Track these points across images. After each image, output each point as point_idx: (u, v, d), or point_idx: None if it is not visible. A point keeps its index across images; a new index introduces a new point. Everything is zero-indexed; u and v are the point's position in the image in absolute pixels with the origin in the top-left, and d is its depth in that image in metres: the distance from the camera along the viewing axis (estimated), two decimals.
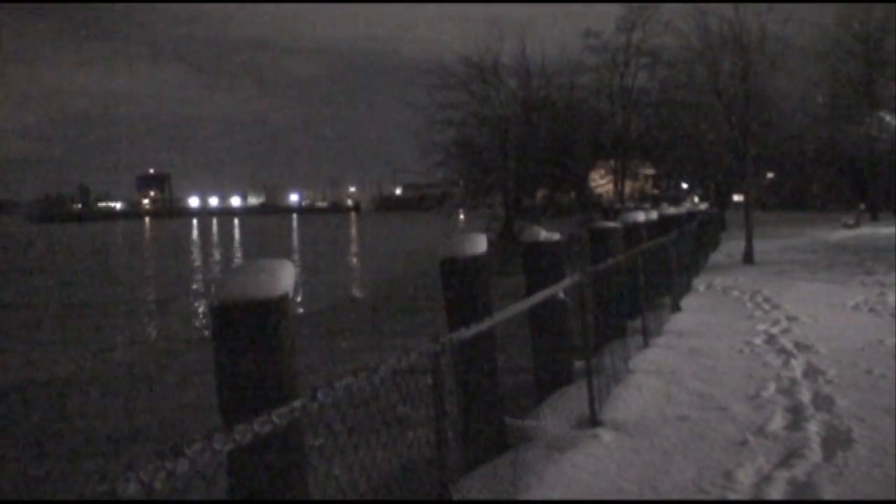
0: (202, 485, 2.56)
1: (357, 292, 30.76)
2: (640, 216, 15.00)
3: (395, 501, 5.72)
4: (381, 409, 4.18)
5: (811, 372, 8.69)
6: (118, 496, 2.06)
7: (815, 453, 6.00)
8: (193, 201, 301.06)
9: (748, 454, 6.08)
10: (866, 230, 37.14)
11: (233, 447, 2.52)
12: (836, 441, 6.24)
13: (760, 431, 6.60)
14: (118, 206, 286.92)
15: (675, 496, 5.37)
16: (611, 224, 12.36)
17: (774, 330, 11.46)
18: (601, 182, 71.75)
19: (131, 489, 2.10)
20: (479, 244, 6.70)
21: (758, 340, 10.73)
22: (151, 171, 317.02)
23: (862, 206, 49.12)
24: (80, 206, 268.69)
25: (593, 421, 7.01)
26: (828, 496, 5.18)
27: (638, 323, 11.15)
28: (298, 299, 25.85)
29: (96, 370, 15.87)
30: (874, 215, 49.22)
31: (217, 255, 57.35)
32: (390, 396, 4.00)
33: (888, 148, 41.17)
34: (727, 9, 26.05)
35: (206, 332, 18.56)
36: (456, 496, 4.36)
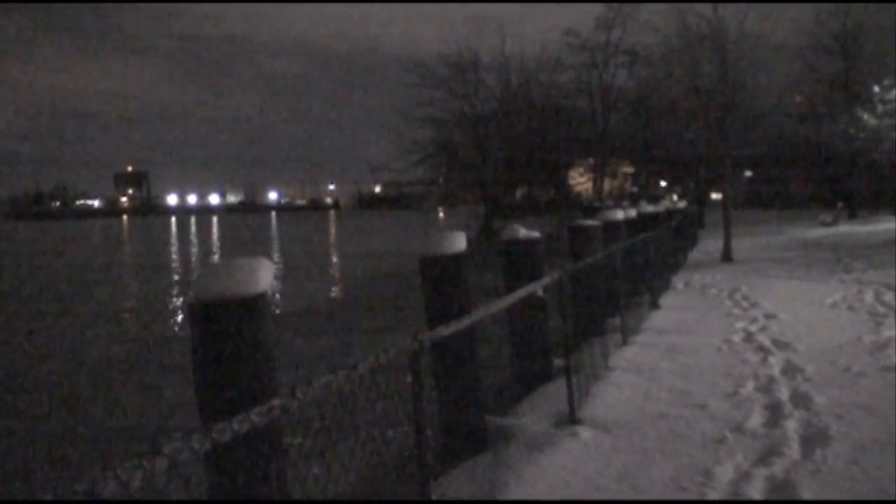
0: (180, 484, 2.54)
1: (336, 291, 30.71)
2: (619, 214, 15.05)
3: (373, 501, 5.71)
4: (361, 408, 4.17)
5: (789, 369, 8.72)
6: (96, 495, 2.05)
7: (794, 450, 6.03)
8: (172, 199, 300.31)
9: (727, 451, 6.10)
10: (844, 228, 37.33)
11: (211, 446, 2.50)
12: (814, 438, 6.27)
13: (739, 429, 6.63)
14: (96, 203, 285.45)
15: (654, 494, 5.38)
16: (590, 222, 12.37)
17: (753, 327, 11.51)
18: (580, 180, 71.85)
19: (109, 488, 2.09)
20: (459, 242, 6.70)
21: (736, 338, 10.77)
22: (129, 168, 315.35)
23: (840, 205, 49.40)
24: (58, 203, 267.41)
25: (572, 419, 7.02)
26: (806, 493, 5.20)
27: (617, 321, 11.18)
28: (277, 297, 25.78)
29: (73, 368, 15.78)
30: (852, 213, 49.50)
31: (195, 254, 57.14)
32: (369, 395, 4.00)
33: (866, 146, 41.34)
34: (706, 8, 26.15)
35: (178, 331, 18.54)
36: (435, 495, 4.35)
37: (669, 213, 25.84)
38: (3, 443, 10.91)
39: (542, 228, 11.95)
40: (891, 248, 23.17)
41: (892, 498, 5.11)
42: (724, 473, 5.65)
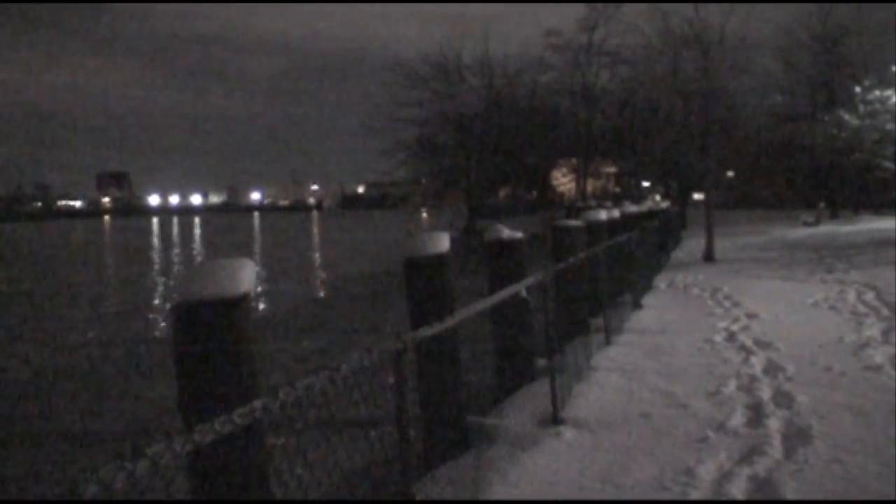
0: (163, 485, 2.53)
1: (319, 291, 30.66)
2: (602, 214, 15.06)
3: (357, 501, 5.70)
4: (343, 409, 4.16)
5: (771, 369, 8.76)
6: (78, 497, 2.04)
7: (776, 450, 6.05)
8: (154, 199, 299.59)
9: (709, 451, 6.11)
10: (826, 228, 37.52)
11: (193, 447, 2.50)
12: (796, 437, 6.29)
13: (721, 428, 6.65)
14: (78, 204, 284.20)
15: (637, 493, 5.39)
16: (573, 222, 12.38)
17: (735, 327, 11.55)
18: (563, 180, 72.07)
19: (91, 490, 2.08)
20: (442, 243, 6.70)
21: (718, 338, 10.81)
22: (111, 169, 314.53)
23: (822, 205, 49.64)
24: (39, 204, 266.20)
25: (555, 419, 7.03)
26: (789, 493, 5.22)
27: (600, 321, 11.19)
28: (260, 298, 25.74)
29: (54, 371, 15.70)
30: (834, 213, 49.77)
31: (177, 254, 56.97)
32: (352, 395, 3.99)
33: (848, 147, 41.59)
34: (688, 8, 26.26)
35: (159, 332, 18.47)
36: (418, 495, 4.35)
37: (652, 214, 25.91)
38: None
39: (525, 229, 11.95)
40: (872, 248, 23.32)
41: (875, 498, 5.14)
42: (707, 473, 5.67)
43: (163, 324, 21.42)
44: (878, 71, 39.97)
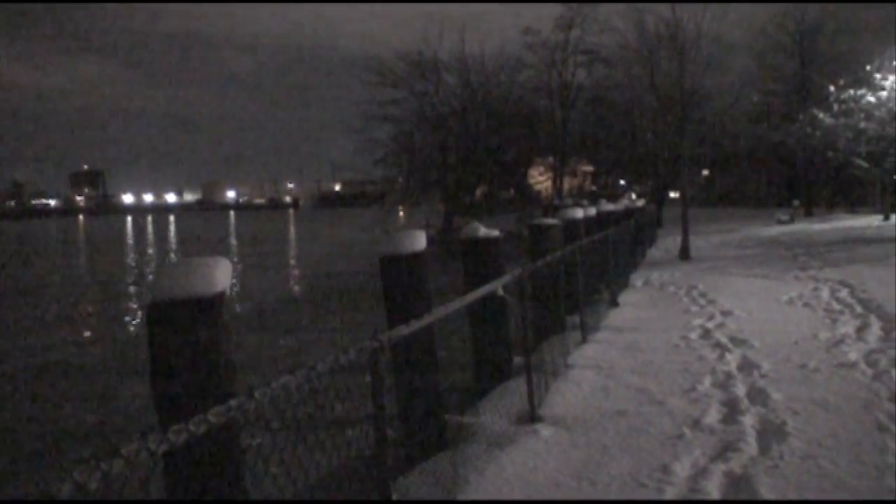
0: (138, 485, 2.52)
1: (296, 290, 30.59)
2: (579, 213, 15.10)
3: (334, 501, 5.69)
4: (320, 408, 4.16)
5: (746, 366, 8.80)
6: (53, 497, 2.03)
7: (751, 446, 6.08)
8: (128, 198, 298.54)
9: (684, 447, 6.14)
10: (800, 226, 37.73)
11: (168, 447, 2.49)
12: (771, 434, 6.33)
13: (696, 425, 6.68)
14: (52, 202, 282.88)
15: (613, 490, 5.41)
16: (550, 221, 12.40)
17: (710, 324, 11.60)
18: (540, 179, 71.97)
19: (66, 490, 2.07)
20: (419, 241, 6.70)
21: (694, 335, 10.85)
22: (85, 167, 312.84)
23: (796, 203, 49.91)
24: (13, 203, 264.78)
25: (532, 416, 7.04)
26: (763, 489, 5.25)
27: (577, 319, 11.21)
28: (235, 297, 25.66)
29: (29, 371, 15.61)
30: (808, 211, 50.07)
31: (152, 253, 56.71)
32: (329, 394, 3.98)
33: (821, 145, 41.82)
34: (664, 8, 26.38)
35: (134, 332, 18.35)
36: (396, 494, 4.34)
37: (628, 212, 25.98)
38: None
39: (502, 227, 11.97)
40: (846, 246, 23.47)
41: (850, 496, 5.17)
42: (683, 469, 5.69)
43: (135, 323, 21.33)
44: (853, 70, 40.18)
